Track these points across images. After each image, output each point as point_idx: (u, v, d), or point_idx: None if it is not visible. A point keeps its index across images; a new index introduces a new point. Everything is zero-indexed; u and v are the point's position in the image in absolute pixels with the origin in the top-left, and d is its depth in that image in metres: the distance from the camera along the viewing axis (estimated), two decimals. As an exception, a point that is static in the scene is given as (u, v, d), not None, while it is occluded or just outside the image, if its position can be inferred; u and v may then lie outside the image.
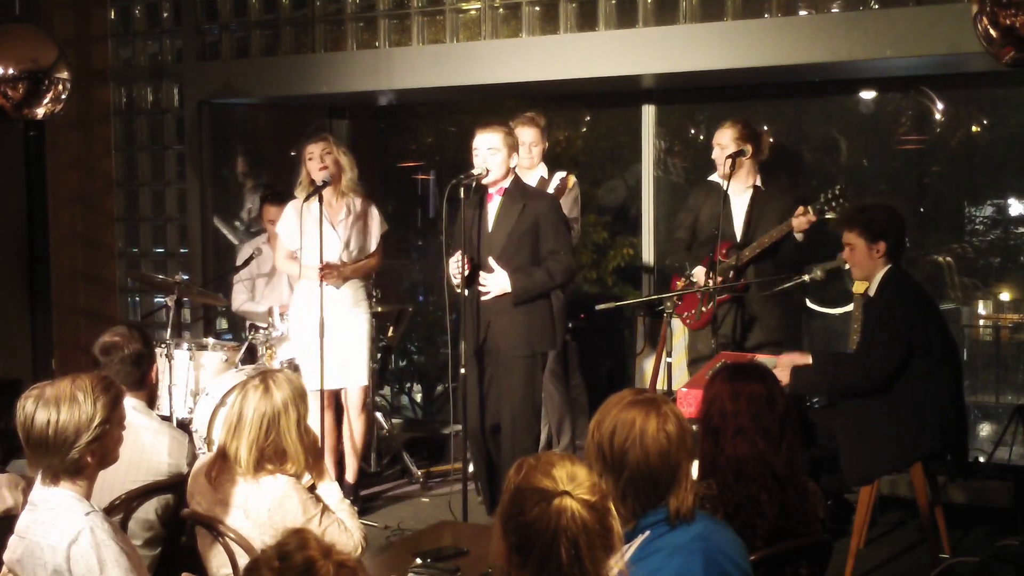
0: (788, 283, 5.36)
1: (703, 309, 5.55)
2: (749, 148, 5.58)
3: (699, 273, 5.58)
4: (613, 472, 2.54)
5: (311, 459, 3.50)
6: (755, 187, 5.61)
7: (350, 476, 5.83)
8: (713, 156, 5.63)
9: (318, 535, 2.13)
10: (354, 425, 5.77)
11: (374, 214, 5.76)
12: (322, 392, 5.50)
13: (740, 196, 5.63)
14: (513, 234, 5.04)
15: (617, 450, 2.55)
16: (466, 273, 5.03)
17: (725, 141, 5.56)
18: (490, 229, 5.09)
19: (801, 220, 5.37)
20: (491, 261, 5.04)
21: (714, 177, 5.70)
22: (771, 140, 5.81)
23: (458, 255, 5.05)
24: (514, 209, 5.05)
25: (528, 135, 5.80)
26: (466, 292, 5.09)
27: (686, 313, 5.66)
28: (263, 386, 3.41)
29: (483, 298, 5.05)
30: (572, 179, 5.97)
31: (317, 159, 5.56)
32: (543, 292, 5.12)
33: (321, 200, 5.41)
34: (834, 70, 5.95)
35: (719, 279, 5.44)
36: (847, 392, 4.64)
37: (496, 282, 5.03)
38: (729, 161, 5.46)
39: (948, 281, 6.49)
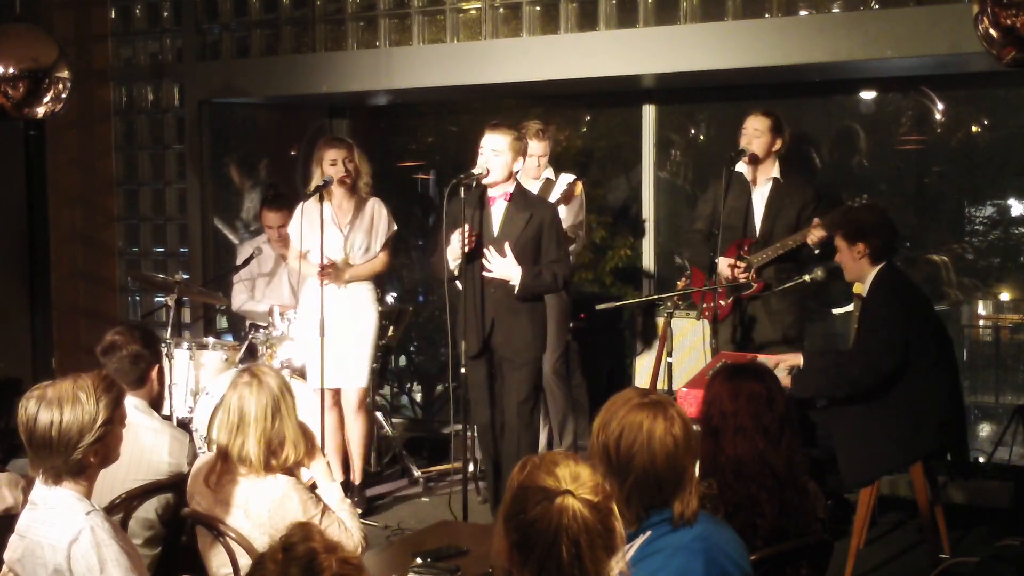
0: (789, 283, 5.38)
1: (722, 303, 5.57)
2: (746, 148, 5.63)
3: (723, 265, 5.59)
4: (618, 474, 2.53)
5: (308, 445, 3.53)
6: (775, 179, 5.63)
7: (356, 477, 5.83)
8: (744, 144, 5.59)
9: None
10: (352, 426, 5.78)
11: (382, 215, 5.78)
12: (322, 391, 5.51)
13: (761, 188, 5.65)
14: (519, 241, 5.06)
15: (624, 453, 2.54)
16: (468, 250, 5.00)
17: (761, 127, 5.56)
18: (495, 234, 5.10)
19: (814, 234, 5.38)
20: (506, 247, 5.03)
21: (738, 167, 5.69)
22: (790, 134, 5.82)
23: (464, 228, 5.02)
24: (520, 217, 5.07)
25: (538, 148, 5.89)
26: (458, 284, 5.08)
27: (705, 305, 5.66)
28: (255, 379, 3.44)
29: (484, 273, 5.04)
30: (580, 186, 6.00)
31: (340, 166, 5.60)
32: (544, 293, 5.19)
33: (322, 199, 5.43)
34: (834, 70, 5.95)
35: (744, 273, 5.47)
36: (851, 386, 4.62)
37: (504, 267, 5.02)
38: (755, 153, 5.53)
39: (945, 279, 6.49)
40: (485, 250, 5.05)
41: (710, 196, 5.76)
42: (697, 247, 5.76)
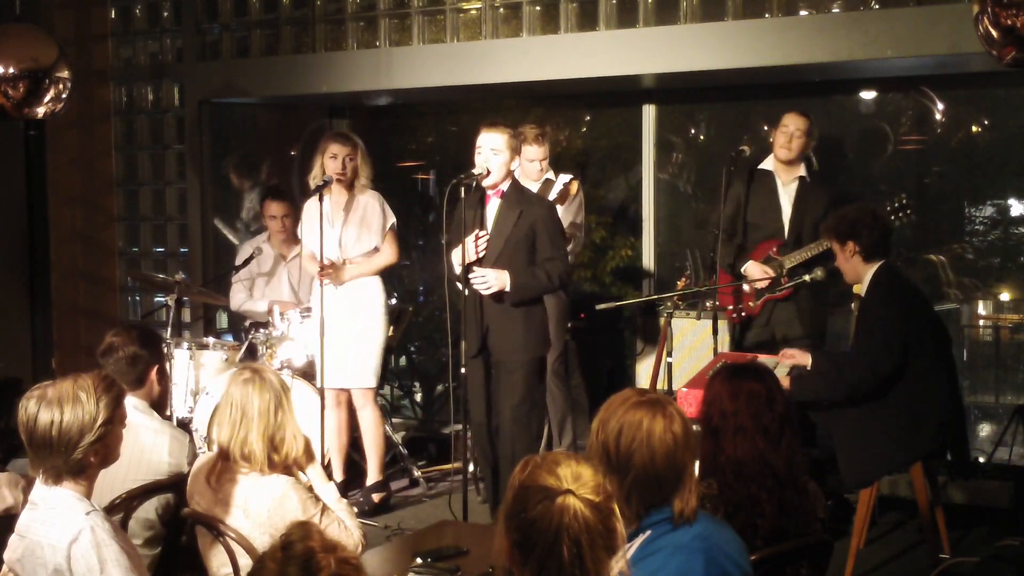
0: (790, 282, 5.39)
1: (752, 304, 5.57)
2: (746, 149, 5.63)
3: (752, 268, 5.58)
4: (618, 473, 2.53)
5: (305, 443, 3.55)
6: (801, 178, 5.64)
7: (369, 477, 5.83)
8: (780, 143, 5.59)
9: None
10: (361, 426, 5.77)
11: (375, 206, 5.72)
12: (322, 391, 5.50)
13: (788, 187, 5.65)
14: (511, 239, 5.02)
15: (623, 451, 2.54)
16: (479, 254, 4.98)
17: (803, 127, 5.57)
18: (488, 232, 5.08)
19: None
20: (475, 268, 5.00)
21: (765, 165, 5.69)
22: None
23: (479, 232, 5.00)
24: (511, 214, 5.03)
25: (537, 152, 5.87)
26: (462, 288, 5.07)
27: (731, 306, 5.65)
28: (256, 375, 3.46)
29: (482, 291, 5.00)
30: (575, 184, 6.00)
31: (339, 161, 5.58)
32: (540, 294, 5.11)
33: (321, 199, 5.43)
34: (834, 70, 5.95)
35: (781, 277, 5.49)
36: (851, 389, 4.61)
37: (496, 277, 4.98)
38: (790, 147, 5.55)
39: (945, 279, 6.49)
40: (470, 274, 4.98)
41: (732, 196, 5.72)
42: (722, 248, 5.73)
